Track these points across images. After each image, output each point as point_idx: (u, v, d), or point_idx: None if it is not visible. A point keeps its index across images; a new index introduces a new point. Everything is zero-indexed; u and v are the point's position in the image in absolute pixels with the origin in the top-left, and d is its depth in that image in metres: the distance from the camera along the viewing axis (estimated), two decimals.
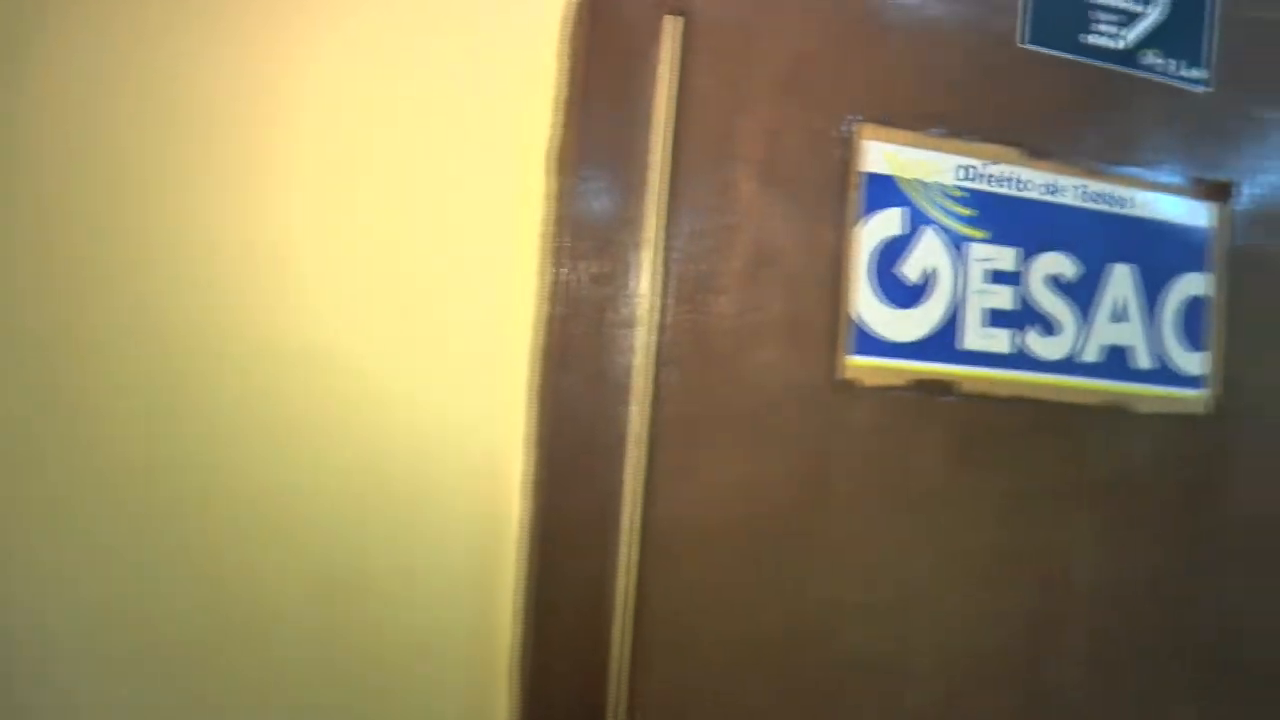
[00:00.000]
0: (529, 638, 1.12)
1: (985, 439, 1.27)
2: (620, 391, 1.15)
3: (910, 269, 1.23)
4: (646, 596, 1.13)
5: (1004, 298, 1.28)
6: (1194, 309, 1.40)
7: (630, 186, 1.15)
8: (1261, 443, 1.45)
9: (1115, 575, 1.34)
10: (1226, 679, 1.41)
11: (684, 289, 1.16)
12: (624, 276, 1.16)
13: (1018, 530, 1.29)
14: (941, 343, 1.24)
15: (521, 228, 1.15)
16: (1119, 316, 1.34)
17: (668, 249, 1.15)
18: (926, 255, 1.24)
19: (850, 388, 1.20)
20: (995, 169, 1.28)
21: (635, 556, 1.13)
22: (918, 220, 1.24)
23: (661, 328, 1.15)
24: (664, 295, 1.16)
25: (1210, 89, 1.43)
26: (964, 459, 1.26)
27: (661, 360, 1.15)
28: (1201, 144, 1.43)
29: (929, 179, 1.25)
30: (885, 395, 1.22)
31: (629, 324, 1.16)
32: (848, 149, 1.21)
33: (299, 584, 1.08)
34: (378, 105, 1.11)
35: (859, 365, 1.20)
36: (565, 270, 1.14)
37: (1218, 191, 1.43)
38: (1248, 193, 1.45)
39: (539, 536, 1.12)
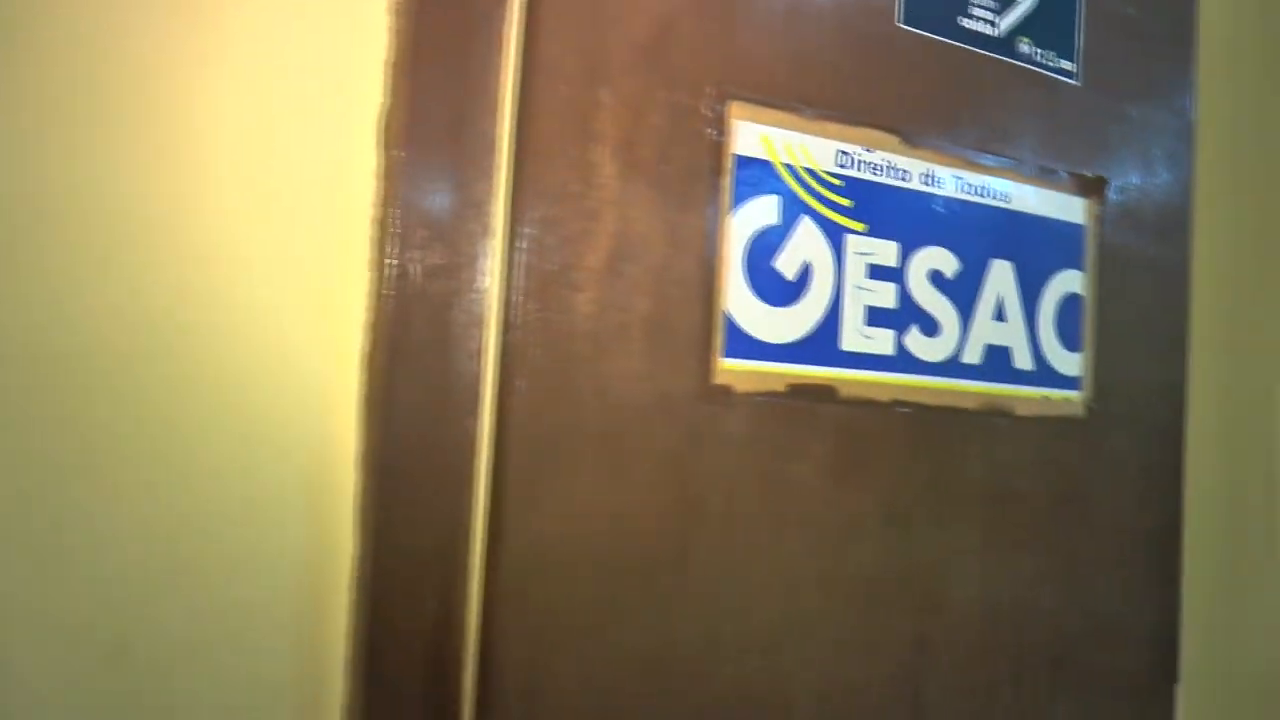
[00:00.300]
0: (361, 696, 0.96)
1: (866, 448, 1.19)
2: (466, 404, 1.02)
3: (787, 263, 1.14)
4: (497, 641, 0.99)
5: (885, 295, 1.20)
6: (1070, 307, 1.36)
7: (474, 165, 1.02)
8: (1133, 447, 1.43)
9: (996, 590, 1.29)
10: (1105, 687, 1.38)
11: (537, 284, 1.03)
12: (469, 269, 1.02)
13: (900, 547, 1.21)
14: (821, 344, 1.15)
15: (350, 210, 1.00)
16: (999, 315, 1.29)
17: (517, 238, 1.02)
18: (804, 248, 1.15)
19: (723, 395, 1.10)
20: (874, 156, 1.21)
21: (483, 597, 0.99)
22: (794, 209, 1.15)
23: (511, 329, 1.02)
24: (514, 292, 1.03)
25: (1079, 82, 1.40)
26: (844, 471, 1.17)
27: (512, 367, 1.02)
28: (1074, 138, 1.40)
29: (805, 165, 1.16)
30: (761, 403, 1.12)
31: (475, 324, 1.02)
32: (718, 129, 1.11)
33: (88, 648, 0.90)
34: (172, 63, 0.94)
35: (733, 369, 1.10)
36: (399, 261, 1.00)
37: (1092, 187, 1.40)
38: (1117, 189, 1.43)
39: (371, 579, 0.97)
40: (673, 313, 1.08)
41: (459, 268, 1.02)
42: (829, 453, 1.16)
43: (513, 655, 1.01)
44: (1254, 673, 1.51)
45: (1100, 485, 1.39)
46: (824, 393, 1.15)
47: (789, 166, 1.15)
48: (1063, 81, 1.39)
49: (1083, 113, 1.41)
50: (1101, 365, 1.39)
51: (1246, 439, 1.51)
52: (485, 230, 1.03)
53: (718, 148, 1.11)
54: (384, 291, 0.99)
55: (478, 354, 1.02)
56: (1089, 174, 1.40)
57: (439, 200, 1.01)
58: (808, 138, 1.16)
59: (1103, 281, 1.40)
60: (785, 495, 1.13)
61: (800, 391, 1.14)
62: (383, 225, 1.00)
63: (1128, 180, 1.45)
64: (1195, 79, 1.53)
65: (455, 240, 1.02)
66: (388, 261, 1.00)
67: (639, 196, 1.07)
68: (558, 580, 1.02)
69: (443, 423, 1.01)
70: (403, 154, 1.00)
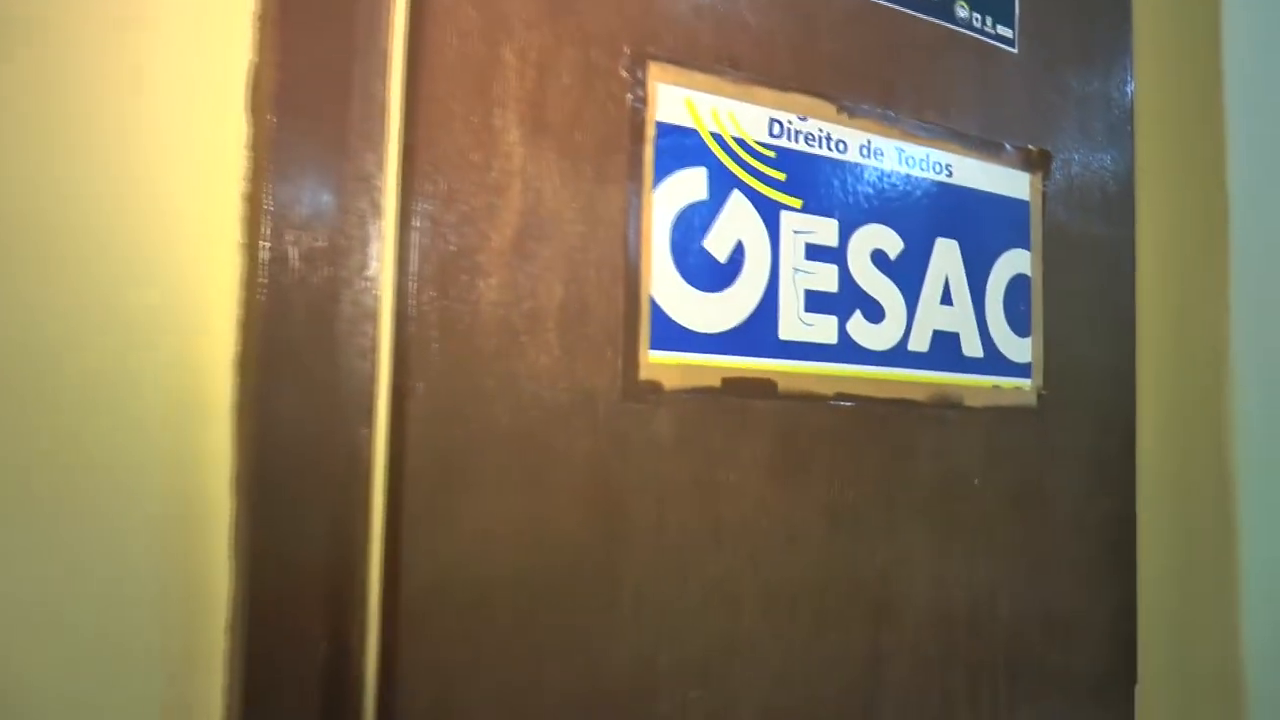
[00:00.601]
0: None
1: (809, 447, 1.09)
2: (357, 410, 0.89)
3: (718, 243, 1.04)
4: (400, 683, 0.87)
5: (825, 278, 1.11)
6: (1018, 289, 1.29)
7: (360, 132, 0.90)
8: (1085, 437, 1.37)
9: (950, 595, 1.21)
10: (1064, 691, 1.32)
11: (435, 269, 0.91)
12: (357, 253, 0.90)
13: (847, 553, 1.12)
14: (758, 332, 1.06)
15: (217, 187, 0.87)
16: (946, 298, 1.21)
17: (412, 216, 0.90)
18: (736, 226, 1.05)
19: (652, 393, 0.99)
20: (808, 125, 1.12)
21: (382, 634, 0.87)
22: (724, 183, 1.05)
23: (407, 322, 0.90)
24: (409, 278, 0.91)
25: (1016, 50, 1.33)
26: (786, 473, 1.08)
27: (409, 366, 0.90)
28: (1017, 109, 1.33)
29: (735, 134, 1.06)
30: (693, 400, 1.02)
31: (365, 318, 0.90)
32: (637, 93, 1.01)
33: None
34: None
35: (661, 363, 1.00)
36: (274, 245, 0.87)
37: (1037, 161, 1.33)
38: (1061, 163, 1.36)
39: (250, 621, 0.84)
40: (591, 300, 0.97)
41: (345, 251, 0.89)
42: (769, 453, 1.06)
43: (419, 698, 0.89)
44: (1211, 670, 1.46)
45: (1054, 478, 1.32)
46: (762, 387, 1.06)
47: (717, 136, 1.05)
48: (1001, 49, 1.32)
49: (1024, 83, 1.34)
50: (1051, 350, 1.32)
51: (1197, 424, 1.46)
52: (374, 207, 0.90)
53: (637, 113, 1.00)
54: (258, 280, 0.87)
55: (370, 352, 0.90)
56: (1033, 147, 1.33)
57: (320, 173, 0.89)
58: (737, 104, 1.07)
59: (1049, 261, 1.33)
60: (722, 502, 1.03)
61: (736, 386, 1.04)
62: (254, 203, 0.87)
63: (1071, 154, 1.38)
64: (1133, 46, 1.48)
65: (340, 219, 0.89)
66: (262, 245, 0.87)
67: (549, 168, 0.96)
68: (468, 609, 0.90)
69: (331, 433, 0.89)
70: (275, 120, 0.87)
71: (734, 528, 1.04)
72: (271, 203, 0.87)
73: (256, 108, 0.88)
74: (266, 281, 0.86)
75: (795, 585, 1.08)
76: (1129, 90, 1.46)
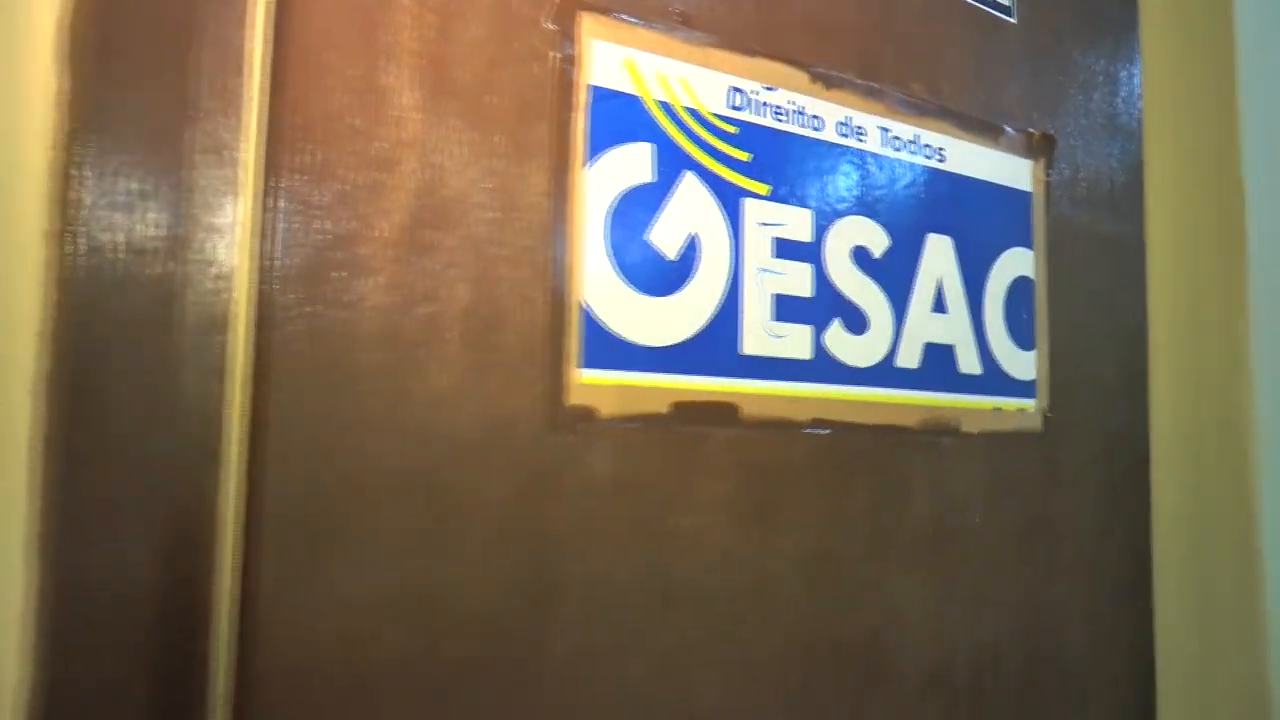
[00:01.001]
0: None
1: (779, 484, 0.92)
2: (203, 446, 0.71)
3: (666, 236, 0.87)
4: None
5: (798, 280, 0.94)
6: (1020, 294, 1.13)
7: (212, 89, 0.71)
8: (1096, 462, 1.21)
9: (949, 652, 1.04)
10: None
11: (304, 264, 0.73)
12: (205, 243, 0.71)
13: (828, 610, 0.95)
14: (715, 346, 0.88)
15: (16, 157, 0.69)
16: (939, 305, 1.04)
17: (275, 195, 0.72)
18: (689, 215, 0.88)
19: (583, 421, 0.81)
20: (776, 95, 0.95)
21: None
22: (674, 162, 0.88)
23: (268, 330, 0.72)
24: (272, 276, 0.73)
25: (1017, 21, 1.18)
26: (752, 516, 0.90)
27: (271, 388, 0.72)
28: (1016, 88, 1.17)
29: (688, 104, 0.89)
30: (636, 430, 0.84)
31: (215, 327, 0.72)
32: (567, 50, 0.83)
33: None
34: None
35: (596, 384, 0.82)
36: (91, 231, 0.69)
37: (1040, 147, 1.17)
38: (1066, 150, 1.21)
39: None
40: (507, 305, 0.79)
41: (187, 241, 0.71)
42: (731, 493, 0.89)
43: None
44: (1232, 706, 1.31)
45: (1062, 512, 1.16)
46: (722, 412, 0.88)
47: (666, 105, 0.88)
48: (1000, 19, 1.16)
49: (1024, 58, 1.19)
50: (1058, 366, 1.16)
51: (1215, 446, 1.31)
52: (228, 185, 0.72)
53: (565, 75, 0.83)
54: (68, 277, 0.68)
55: (219, 372, 0.72)
56: (1036, 131, 1.17)
57: (155, 140, 0.70)
58: (691, 68, 0.90)
59: (1055, 262, 1.17)
60: (674, 555, 0.86)
61: (690, 412, 0.87)
62: (65, 177, 0.69)
63: (1076, 140, 1.23)
64: (1140, 21, 1.33)
65: (181, 200, 0.71)
66: (74, 232, 0.68)
67: (454, 138, 0.78)
68: (348, 699, 0.72)
69: (166, 478, 0.70)
70: (96, 71, 0.69)
71: (689, 586, 0.86)
72: (89, 177, 0.68)
73: (72, 55, 0.69)
74: (80, 280, 0.68)
75: (766, 653, 0.90)
76: (1137, 70, 1.31)
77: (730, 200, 0.90)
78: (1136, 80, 1.31)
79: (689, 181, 0.88)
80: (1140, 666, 1.24)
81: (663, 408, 0.85)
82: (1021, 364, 1.12)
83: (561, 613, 0.80)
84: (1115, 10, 1.31)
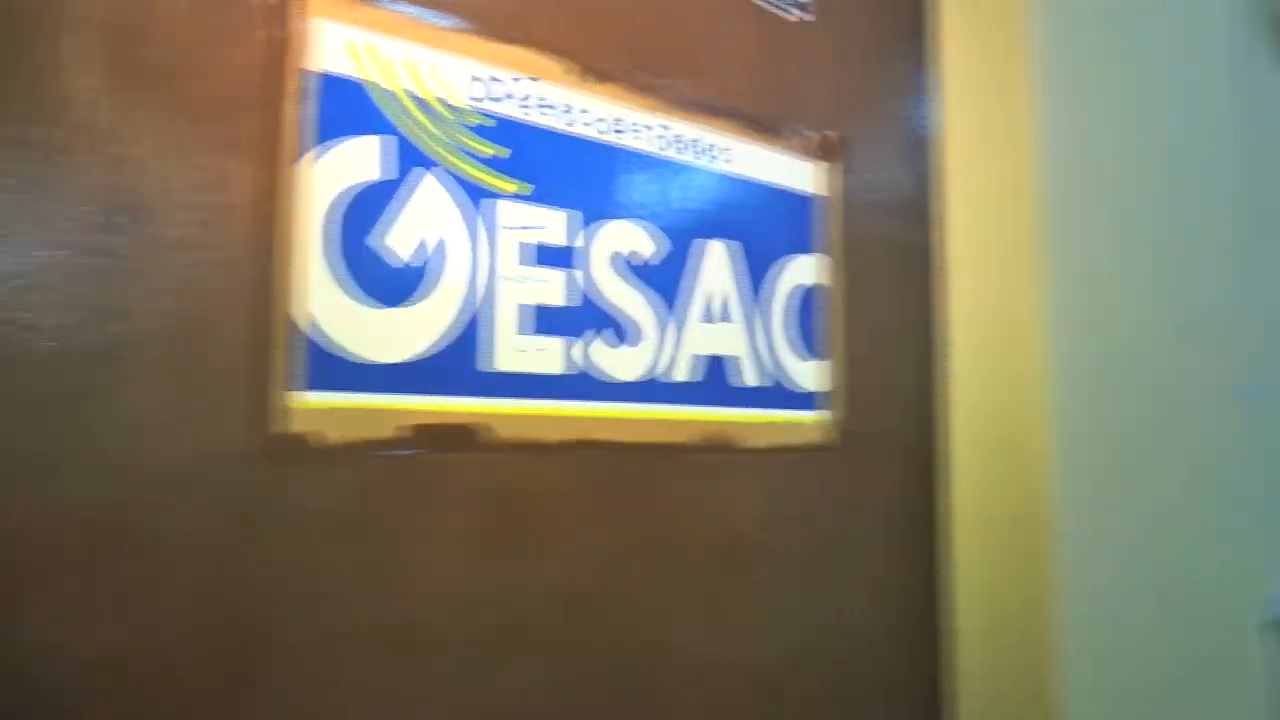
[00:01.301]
0: None
1: (534, 515, 0.86)
2: None
3: (402, 240, 0.79)
4: None
5: (554, 288, 0.88)
6: (809, 303, 1.10)
7: None
8: (889, 477, 1.19)
9: (728, 683, 1.00)
10: None
11: None
12: None
13: (596, 647, 0.89)
14: (458, 362, 0.81)
15: None
16: (720, 314, 1.00)
17: None
18: (429, 218, 0.81)
19: (298, 451, 0.73)
20: (537, 88, 0.89)
21: None
22: (412, 159, 0.80)
23: None
24: None
25: (813, 19, 1.15)
26: (503, 550, 0.84)
27: None
28: (809, 88, 1.14)
29: (436, 94, 0.82)
30: (366, 458, 0.77)
31: None
32: (282, 28, 0.75)
33: None
34: None
35: (317, 408, 0.74)
36: None
37: (833, 150, 1.15)
38: (859, 153, 1.18)
39: None
40: (210, 319, 0.71)
41: None
42: (479, 526, 0.82)
43: None
44: None
45: (854, 530, 1.14)
46: (467, 435, 0.82)
47: (409, 96, 0.80)
48: (793, 17, 1.13)
49: (818, 58, 1.16)
50: (850, 377, 1.13)
51: (1010, 461, 1.31)
52: None
53: (278, 57, 0.75)
54: None
55: None
56: (830, 134, 1.14)
57: None
58: (436, 55, 0.83)
59: (849, 269, 1.15)
60: (411, 598, 0.78)
61: (429, 436, 0.80)
62: None
63: (874, 145, 1.21)
64: (939, 22, 1.32)
65: None
66: None
67: (146, 127, 0.69)
68: None
69: None
70: None
71: (429, 632, 0.79)
72: None
73: None
74: None
75: (524, 702, 0.84)
76: (936, 76, 1.30)
77: (481, 201, 0.84)
78: (935, 86, 1.30)
79: (430, 181, 0.81)
80: (933, 687, 1.23)
81: (399, 432, 0.78)
82: (810, 375, 1.08)
83: (273, 675, 0.72)
84: (914, 15, 1.30)
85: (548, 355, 0.86)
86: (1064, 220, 1.29)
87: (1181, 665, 1.46)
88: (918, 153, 1.29)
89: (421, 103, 0.81)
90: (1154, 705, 1.38)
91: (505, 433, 0.83)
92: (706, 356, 0.98)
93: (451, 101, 0.83)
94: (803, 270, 1.09)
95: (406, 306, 0.79)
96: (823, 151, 1.14)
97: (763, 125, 1.07)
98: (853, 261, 1.16)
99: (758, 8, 1.11)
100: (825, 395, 1.10)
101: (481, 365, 0.82)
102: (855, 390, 1.15)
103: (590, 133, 0.92)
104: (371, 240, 0.78)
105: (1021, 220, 1.27)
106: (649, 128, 0.96)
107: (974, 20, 1.33)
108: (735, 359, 1.01)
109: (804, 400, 1.08)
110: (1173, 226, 1.55)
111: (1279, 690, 1.69)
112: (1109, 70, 1.43)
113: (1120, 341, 1.38)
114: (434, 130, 0.82)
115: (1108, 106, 1.42)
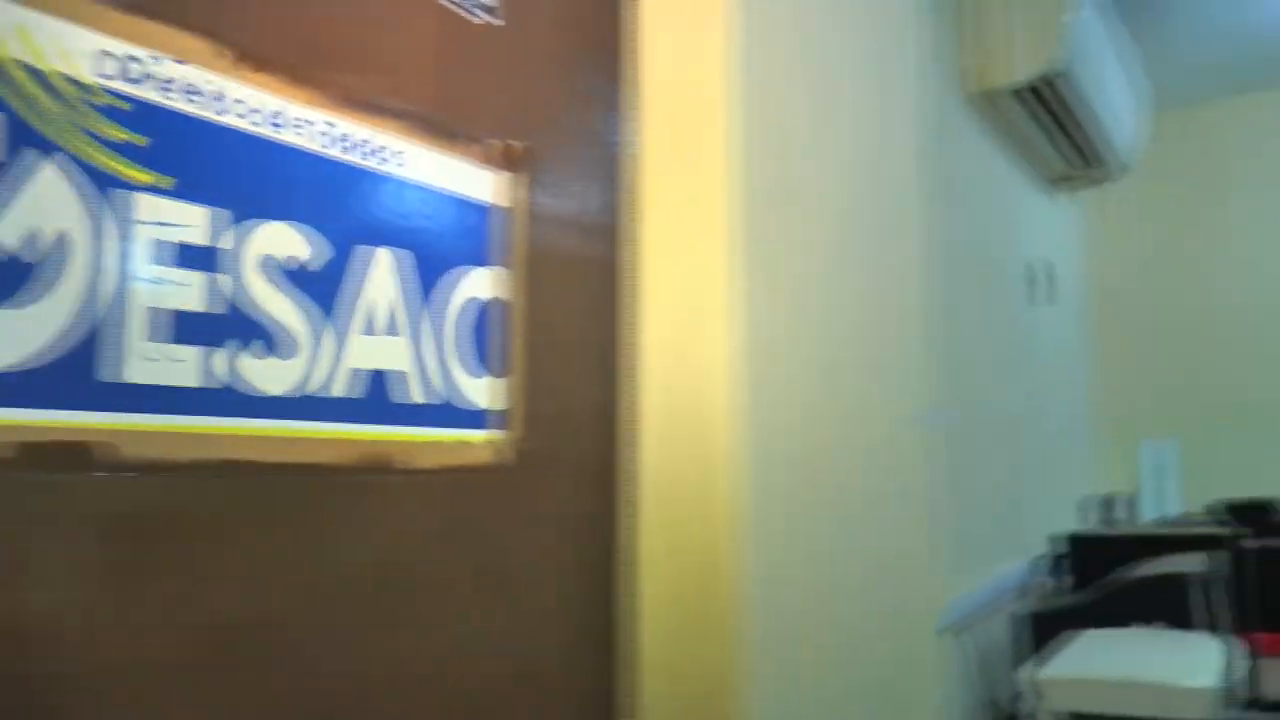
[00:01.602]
0: None
1: (165, 542, 0.79)
2: None
3: (8, 231, 0.71)
4: None
5: (195, 292, 0.81)
6: (487, 317, 1.08)
7: None
8: (570, 500, 1.19)
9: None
10: None
11: None
12: None
13: (227, 700, 0.83)
14: (73, 372, 0.73)
15: None
16: (381, 327, 0.96)
17: None
18: (45, 209, 0.72)
19: None
20: (184, 70, 0.82)
21: None
22: (27, 141, 0.72)
23: None
24: None
25: (503, 23, 1.14)
26: (127, 586, 0.76)
27: None
28: (495, 94, 1.13)
29: (60, 68, 0.74)
30: None
31: None
32: None
33: None
34: None
35: None
36: None
37: (517, 159, 1.14)
38: (545, 163, 1.18)
39: None
40: None
41: None
42: (96, 557, 0.74)
43: None
44: None
45: (535, 551, 1.13)
46: (79, 455, 0.74)
47: (20, 67, 0.72)
48: (479, 19, 1.11)
49: (509, 63, 1.14)
50: (530, 394, 1.12)
51: (696, 485, 1.34)
52: None
53: None
54: None
55: None
56: (516, 143, 1.13)
57: None
58: (62, 25, 0.74)
59: (532, 283, 1.14)
60: (11, 644, 0.70)
61: (36, 455, 0.71)
62: None
63: (560, 156, 1.21)
64: (636, 34, 1.34)
65: None
66: None
67: None
68: None
69: None
70: None
71: (21, 685, 0.70)
72: None
73: None
74: None
75: None
76: (631, 90, 1.32)
77: (110, 192, 0.76)
78: (631, 101, 1.32)
79: (50, 169, 0.73)
80: (610, 707, 1.24)
81: None
82: (484, 392, 1.07)
83: None
84: (611, 28, 1.31)
85: (185, 366, 0.79)
86: (760, 246, 1.34)
87: (867, 670, 1.55)
88: (611, 168, 1.30)
89: (39, 76, 0.73)
90: (840, 714, 1.45)
91: (131, 451, 0.76)
92: (368, 371, 0.94)
93: (77, 78, 0.75)
94: (479, 283, 1.07)
95: (13, 308, 0.70)
96: (505, 161, 1.12)
97: (440, 129, 1.04)
98: (536, 276, 1.16)
99: (440, 7, 1.08)
100: (501, 414, 1.09)
101: (105, 376, 0.75)
102: (534, 409, 1.14)
103: (244, 125, 0.86)
104: None
105: (715, 242, 1.31)
106: (312, 123, 0.91)
107: (672, 37, 1.36)
108: (400, 374, 0.97)
109: (476, 418, 1.06)
110: (866, 259, 1.66)
111: (954, 689, 1.84)
112: (810, 103, 1.50)
113: (811, 366, 1.46)
114: (53, 109, 0.73)
115: (809, 133, 1.50)
